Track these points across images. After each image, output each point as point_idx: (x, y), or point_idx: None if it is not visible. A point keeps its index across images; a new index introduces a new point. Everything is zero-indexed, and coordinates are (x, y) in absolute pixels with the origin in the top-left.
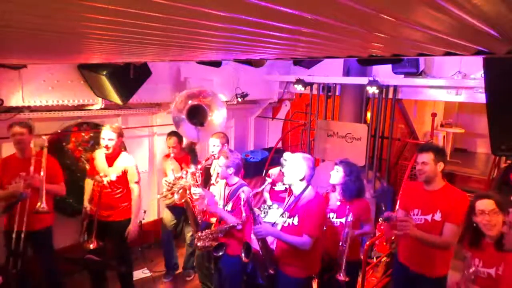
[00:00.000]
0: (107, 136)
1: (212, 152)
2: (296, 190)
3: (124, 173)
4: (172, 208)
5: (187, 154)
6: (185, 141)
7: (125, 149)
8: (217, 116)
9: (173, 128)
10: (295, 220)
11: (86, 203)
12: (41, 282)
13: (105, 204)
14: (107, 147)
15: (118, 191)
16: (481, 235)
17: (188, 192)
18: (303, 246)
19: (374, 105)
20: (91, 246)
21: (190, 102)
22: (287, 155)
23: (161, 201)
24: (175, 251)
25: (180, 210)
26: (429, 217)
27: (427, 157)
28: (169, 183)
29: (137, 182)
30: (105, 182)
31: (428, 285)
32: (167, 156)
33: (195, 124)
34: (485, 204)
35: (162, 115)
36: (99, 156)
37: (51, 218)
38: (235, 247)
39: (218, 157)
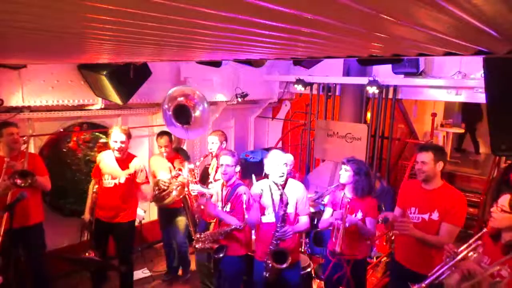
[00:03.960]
0: (120, 138)
1: (210, 149)
2: (282, 185)
3: (133, 175)
4: (163, 210)
5: (176, 153)
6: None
7: None
8: (201, 114)
9: None
10: (289, 209)
11: (87, 214)
12: (28, 283)
13: (110, 205)
14: (119, 150)
15: (124, 194)
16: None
17: (186, 189)
18: (308, 226)
19: (374, 105)
20: (88, 255)
21: (175, 102)
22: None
23: (153, 204)
24: (176, 254)
25: (172, 212)
26: (426, 216)
27: (426, 156)
28: (165, 182)
29: (146, 183)
30: (112, 185)
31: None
32: (160, 156)
33: (182, 124)
34: (502, 199)
35: (162, 115)
36: (106, 157)
37: (42, 214)
38: (236, 248)
39: (216, 155)
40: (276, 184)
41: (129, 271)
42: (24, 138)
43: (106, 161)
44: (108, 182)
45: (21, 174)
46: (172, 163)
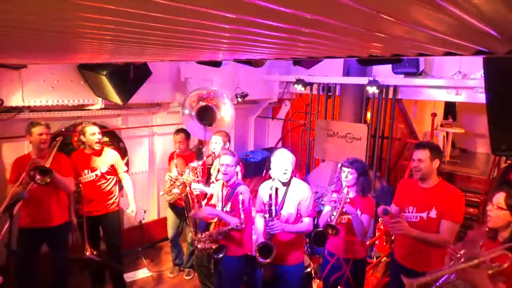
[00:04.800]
0: (96, 130)
1: (213, 149)
2: (285, 184)
3: (113, 166)
4: (174, 207)
5: (193, 153)
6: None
7: (125, 150)
8: (226, 117)
9: (174, 128)
10: (291, 209)
11: (72, 217)
12: (46, 280)
13: (96, 198)
14: (99, 141)
15: (106, 184)
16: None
17: (188, 188)
18: (309, 229)
19: (374, 105)
20: (87, 254)
21: (200, 103)
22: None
23: (163, 198)
24: (182, 249)
25: (182, 210)
26: (424, 215)
27: (423, 154)
28: (172, 178)
29: (126, 171)
30: (94, 177)
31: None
32: (173, 154)
33: (204, 125)
34: (497, 196)
35: (162, 115)
36: (78, 155)
37: (67, 215)
38: (235, 248)
39: (218, 156)
40: (280, 181)
41: (119, 268)
42: (57, 139)
43: (80, 158)
44: (89, 176)
45: (41, 170)
46: (186, 161)
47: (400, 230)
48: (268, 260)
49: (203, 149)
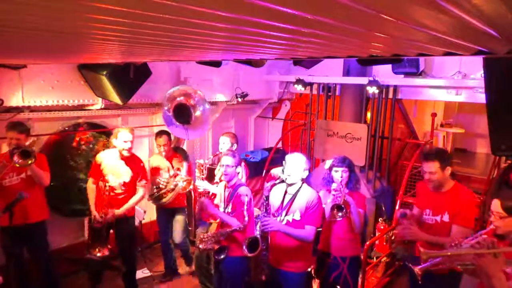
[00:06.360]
0: (129, 138)
1: (221, 149)
2: (294, 188)
3: (136, 175)
4: (163, 210)
5: (175, 152)
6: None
7: None
8: (201, 113)
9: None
10: (296, 216)
11: (94, 212)
12: (36, 282)
13: (110, 203)
14: (129, 149)
15: (124, 195)
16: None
17: (191, 185)
18: (308, 237)
19: (374, 105)
20: (99, 254)
21: (175, 101)
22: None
23: (151, 202)
24: (174, 254)
25: (171, 211)
26: (438, 218)
27: (433, 166)
28: (163, 181)
29: (144, 186)
30: (116, 184)
31: (433, 281)
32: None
33: (182, 123)
34: (494, 206)
35: (162, 114)
36: (108, 157)
37: (46, 211)
38: (237, 248)
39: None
40: (287, 184)
41: (132, 269)
42: (33, 140)
43: (109, 161)
44: (113, 182)
45: (23, 152)
46: (171, 162)
47: (410, 235)
48: (254, 254)
49: (183, 146)
